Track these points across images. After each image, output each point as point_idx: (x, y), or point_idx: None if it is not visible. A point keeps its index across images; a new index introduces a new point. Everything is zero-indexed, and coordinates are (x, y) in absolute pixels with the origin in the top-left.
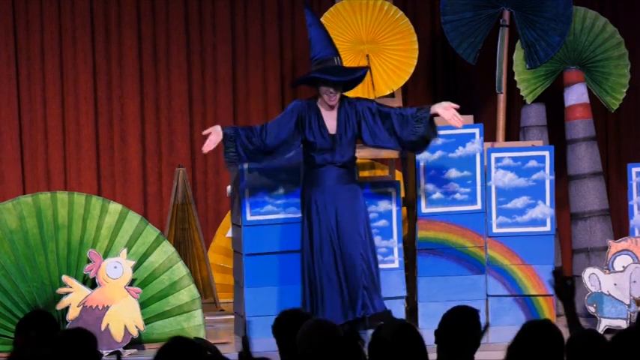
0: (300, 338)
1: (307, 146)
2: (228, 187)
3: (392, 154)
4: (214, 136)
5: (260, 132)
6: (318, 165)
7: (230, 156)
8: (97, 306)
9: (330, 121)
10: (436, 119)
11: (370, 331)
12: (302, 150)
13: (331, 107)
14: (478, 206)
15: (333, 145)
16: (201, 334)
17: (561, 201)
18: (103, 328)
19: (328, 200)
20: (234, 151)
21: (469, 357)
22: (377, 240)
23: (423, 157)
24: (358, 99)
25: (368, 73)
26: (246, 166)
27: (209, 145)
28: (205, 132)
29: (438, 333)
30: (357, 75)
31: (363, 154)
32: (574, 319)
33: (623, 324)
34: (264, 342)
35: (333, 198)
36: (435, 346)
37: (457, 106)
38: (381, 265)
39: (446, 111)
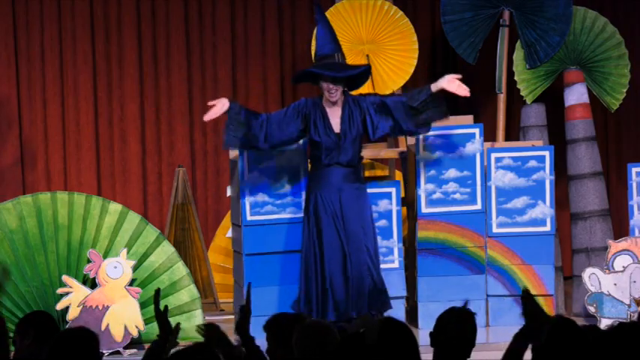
0: (297, 340)
1: (313, 145)
2: (228, 187)
3: (392, 154)
4: (219, 107)
5: (261, 126)
6: (324, 164)
7: (230, 137)
8: (97, 306)
9: (335, 119)
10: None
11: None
12: (308, 149)
13: (333, 103)
14: (478, 206)
15: (338, 143)
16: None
17: (561, 201)
18: (103, 328)
19: (334, 200)
20: (233, 134)
21: (465, 357)
22: (377, 240)
23: (423, 157)
24: (363, 96)
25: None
26: (246, 166)
27: (210, 115)
28: (211, 103)
29: (433, 334)
30: (356, 71)
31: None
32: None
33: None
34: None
35: (339, 197)
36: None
37: (459, 76)
38: (381, 265)
39: (451, 84)
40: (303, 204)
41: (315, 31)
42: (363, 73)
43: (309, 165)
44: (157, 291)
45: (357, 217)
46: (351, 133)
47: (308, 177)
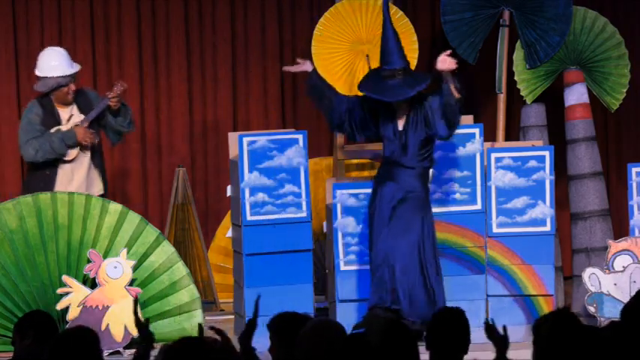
0: (304, 339)
1: (382, 140)
2: (228, 187)
3: None
4: (303, 67)
5: (343, 101)
6: (389, 162)
7: (312, 88)
8: (97, 306)
9: (401, 118)
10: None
11: None
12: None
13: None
14: (478, 206)
15: (401, 142)
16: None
17: (561, 201)
18: (103, 328)
19: (390, 200)
20: (316, 96)
21: (460, 357)
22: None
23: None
24: (427, 94)
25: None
26: (246, 166)
27: (290, 68)
28: (300, 60)
29: (426, 336)
30: (412, 93)
31: (363, 154)
32: None
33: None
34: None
35: (394, 200)
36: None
37: (448, 52)
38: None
39: (442, 64)
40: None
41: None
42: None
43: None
44: (135, 299)
45: (405, 228)
46: (416, 134)
47: (377, 172)
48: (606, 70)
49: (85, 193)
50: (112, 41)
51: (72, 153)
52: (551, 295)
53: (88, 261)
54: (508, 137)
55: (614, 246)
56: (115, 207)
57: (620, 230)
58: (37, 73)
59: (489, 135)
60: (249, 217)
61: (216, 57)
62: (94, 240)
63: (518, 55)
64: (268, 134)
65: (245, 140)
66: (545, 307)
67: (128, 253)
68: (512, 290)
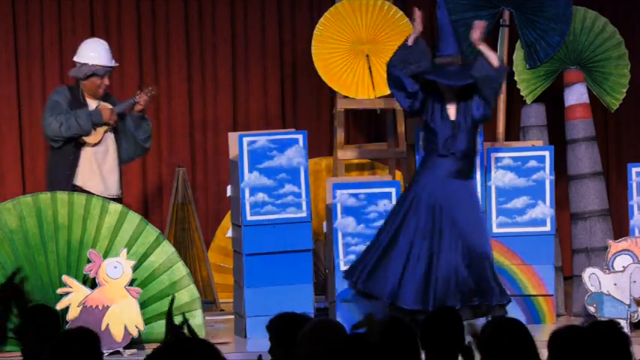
0: (304, 338)
1: (428, 131)
2: (229, 187)
3: (392, 154)
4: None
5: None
6: (438, 154)
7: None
8: (97, 306)
9: (451, 108)
10: None
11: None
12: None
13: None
14: None
15: (454, 131)
16: (202, 334)
17: (561, 201)
18: (103, 328)
19: (440, 193)
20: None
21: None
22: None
23: (421, 158)
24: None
25: (368, 73)
26: (246, 166)
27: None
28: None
29: (421, 337)
30: (471, 80)
31: (363, 154)
32: None
33: (623, 324)
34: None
35: (445, 191)
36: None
37: (482, 24)
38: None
39: (474, 34)
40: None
41: (437, 24)
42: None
43: (421, 151)
44: (172, 299)
45: (470, 213)
46: (467, 121)
47: (420, 163)
48: (606, 70)
49: (104, 188)
50: (112, 41)
51: (95, 135)
52: (551, 295)
53: (88, 261)
54: (508, 137)
55: (614, 246)
56: (115, 207)
57: (620, 230)
58: (75, 58)
59: (489, 135)
60: (249, 217)
61: (216, 57)
62: (94, 240)
63: (518, 55)
64: (268, 134)
65: (245, 140)
66: (545, 307)
67: (128, 253)
68: (513, 290)
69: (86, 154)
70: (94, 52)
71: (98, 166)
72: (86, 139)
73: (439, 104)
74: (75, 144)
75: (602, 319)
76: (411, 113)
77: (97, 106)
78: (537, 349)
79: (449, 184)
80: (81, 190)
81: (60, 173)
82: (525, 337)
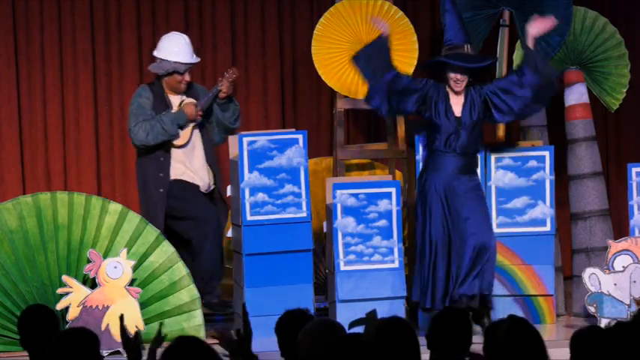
0: (305, 338)
1: (432, 129)
2: (229, 187)
3: (392, 154)
4: (385, 27)
5: (391, 81)
6: (441, 151)
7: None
8: (97, 306)
9: (457, 105)
10: None
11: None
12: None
13: (457, 93)
14: None
15: (458, 128)
16: (201, 334)
17: (561, 201)
18: (103, 328)
19: (447, 190)
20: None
21: (461, 358)
22: (377, 240)
23: (424, 158)
24: (484, 84)
25: None
26: (246, 166)
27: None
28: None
29: (428, 336)
30: (485, 63)
31: (363, 154)
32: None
33: None
34: (265, 342)
35: (451, 187)
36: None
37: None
38: (381, 266)
39: (532, 29)
40: (417, 188)
41: (444, 21)
42: (491, 64)
43: (425, 150)
44: (121, 317)
45: (476, 207)
46: (472, 118)
47: (423, 163)
48: (606, 70)
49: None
50: (112, 41)
51: (183, 137)
52: (551, 295)
53: (88, 261)
54: (508, 137)
55: (614, 246)
56: (115, 207)
57: (620, 230)
58: (156, 54)
59: (489, 135)
60: (249, 217)
61: (216, 57)
62: (94, 240)
63: (518, 55)
64: (268, 134)
65: (245, 140)
66: (545, 307)
67: (128, 253)
68: (513, 290)
69: (175, 154)
70: (175, 48)
71: (188, 165)
72: (174, 142)
73: (444, 102)
74: (164, 146)
75: (603, 319)
76: (375, 110)
77: (180, 102)
78: (547, 350)
79: (454, 180)
80: (181, 182)
81: (151, 176)
82: (536, 338)
